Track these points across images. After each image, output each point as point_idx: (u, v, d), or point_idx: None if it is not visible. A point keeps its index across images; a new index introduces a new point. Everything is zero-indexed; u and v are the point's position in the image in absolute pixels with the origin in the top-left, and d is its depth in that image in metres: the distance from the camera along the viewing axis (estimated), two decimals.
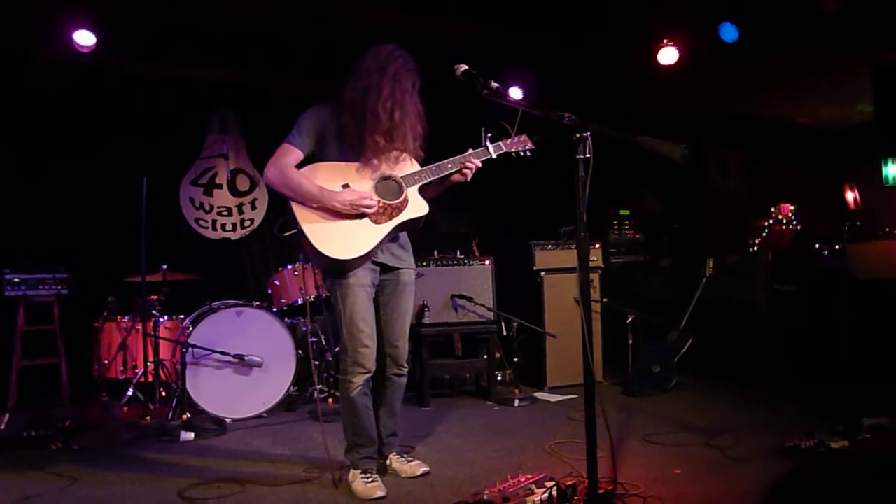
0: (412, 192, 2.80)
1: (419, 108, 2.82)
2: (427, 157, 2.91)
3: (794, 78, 6.13)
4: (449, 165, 2.85)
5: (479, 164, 2.90)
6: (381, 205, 2.74)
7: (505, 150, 2.95)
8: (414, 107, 2.78)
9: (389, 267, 2.88)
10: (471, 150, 2.92)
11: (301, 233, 2.67)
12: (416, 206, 2.80)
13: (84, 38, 4.63)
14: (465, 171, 2.87)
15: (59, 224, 4.93)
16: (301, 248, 2.95)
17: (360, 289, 2.76)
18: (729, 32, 4.92)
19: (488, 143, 2.91)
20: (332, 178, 2.72)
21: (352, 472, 2.82)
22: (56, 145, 5.04)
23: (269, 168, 2.71)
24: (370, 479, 2.75)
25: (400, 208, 2.77)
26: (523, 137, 2.95)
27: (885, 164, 7.43)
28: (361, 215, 2.72)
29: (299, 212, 2.68)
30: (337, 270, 2.75)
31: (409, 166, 2.85)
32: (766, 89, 6.44)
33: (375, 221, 2.73)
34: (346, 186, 2.72)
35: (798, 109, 7.27)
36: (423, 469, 2.97)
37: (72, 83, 5.04)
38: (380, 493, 2.68)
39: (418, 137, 2.82)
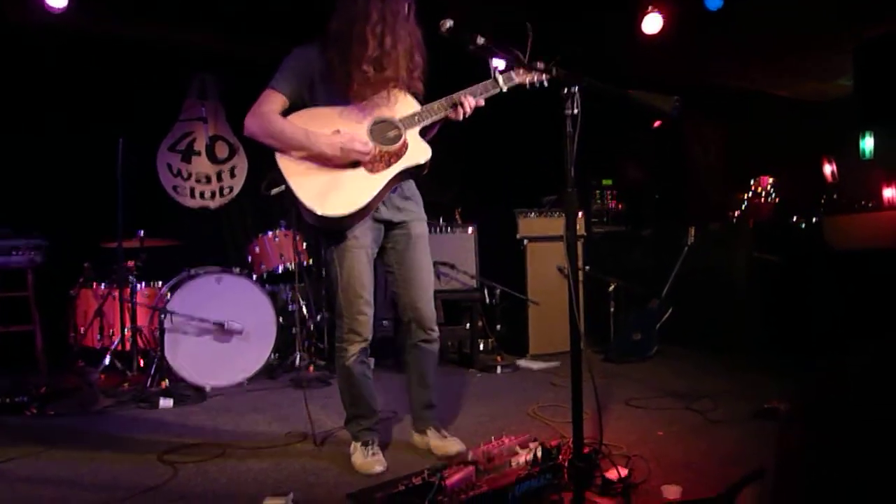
0: (412, 136, 2.46)
1: (416, 35, 2.48)
2: (427, 97, 2.58)
3: (774, 51, 6.13)
4: (456, 102, 2.48)
5: (473, 105, 2.49)
6: (377, 151, 2.43)
7: (517, 80, 2.51)
8: (408, 33, 2.44)
9: (395, 222, 2.60)
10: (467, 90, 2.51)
11: (289, 189, 2.39)
12: (418, 151, 2.46)
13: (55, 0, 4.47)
14: (458, 109, 2.49)
15: (32, 189, 4.81)
16: (290, 209, 2.73)
17: (359, 250, 2.50)
18: (713, 0, 4.90)
19: (498, 75, 2.50)
20: (319, 124, 2.40)
21: (353, 444, 2.65)
22: (29, 108, 4.90)
23: (249, 117, 2.43)
24: (370, 453, 2.59)
25: (399, 154, 2.44)
26: (539, 65, 2.47)
27: (863, 138, 7.51)
28: (355, 164, 2.41)
29: (285, 165, 2.39)
30: (331, 229, 2.47)
31: (407, 105, 2.49)
32: (746, 62, 6.44)
33: (371, 171, 2.41)
34: (336, 133, 2.42)
35: (778, 83, 7.29)
36: (458, 448, 2.64)
37: (45, 45, 4.89)
38: (379, 468, 2.51)
39: (416, 68, 2.49)
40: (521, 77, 2.51)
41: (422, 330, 2.67)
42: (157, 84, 5.30)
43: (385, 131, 2.46)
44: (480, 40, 2.31)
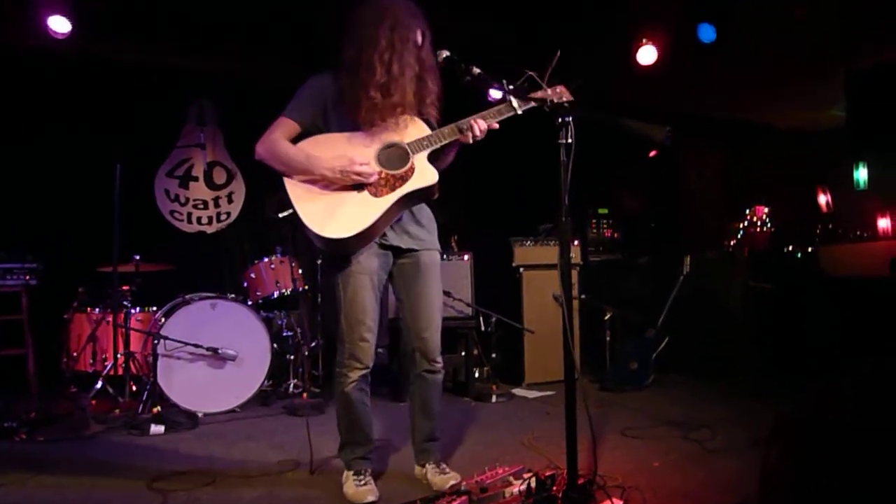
0: (419, 160, 2.45)
1: (429, 61, 2.47)
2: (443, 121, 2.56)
3: (767, 82, 6.21)
4: (465, 126, 2.47)
5: (485, 128, 2.46)
6: (382, 175, 2.42)
7: (533, 103, 2.45)
8: (418, 59, 2.45)
9: (403, 249, 2.57)
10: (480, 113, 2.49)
11: (294, 212, 2.41)
12: (424, 175, 2.43)
13: (59, 25, 4.51)
14: (467, 132, 2.47)
15: (29, 213, 4.83)
16: (288, 236, 2.74)
17: (362, 276, 2.48)
18: (707, 33, 4.97)
19: (512, 98, 2.44)
20: (328, 149, 2.42)
21: (345, 472, 2.62)
22: (28, 132, 4.93)
23: (259, 142, 2.47)
24: (362, 482, 2.53)
25: (404, 178, 2.42)
26: (559, 88, 2.46)
27: (857, 168, 7.58)
28: (360, 188, 2.41)
29: (291, 189, 2.42)
30: (335, 252, 2.47)
31: (417, 130, 2.48)
32: (741, 92, 6.52)
33: (375, 194, 2.40)
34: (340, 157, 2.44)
35: (772, 113, 7.37)
36: (453, 481, 2.57)
37: (46, 69, 4.93)
38: (371, 498, 2.47)
39: (428, 94, 2.49)
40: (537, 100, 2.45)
41: (425, 360, 2.63)
42: (156, 110, 5.33)
43: (393, 156, 2.45)
44: (476, 71, 2.36)
